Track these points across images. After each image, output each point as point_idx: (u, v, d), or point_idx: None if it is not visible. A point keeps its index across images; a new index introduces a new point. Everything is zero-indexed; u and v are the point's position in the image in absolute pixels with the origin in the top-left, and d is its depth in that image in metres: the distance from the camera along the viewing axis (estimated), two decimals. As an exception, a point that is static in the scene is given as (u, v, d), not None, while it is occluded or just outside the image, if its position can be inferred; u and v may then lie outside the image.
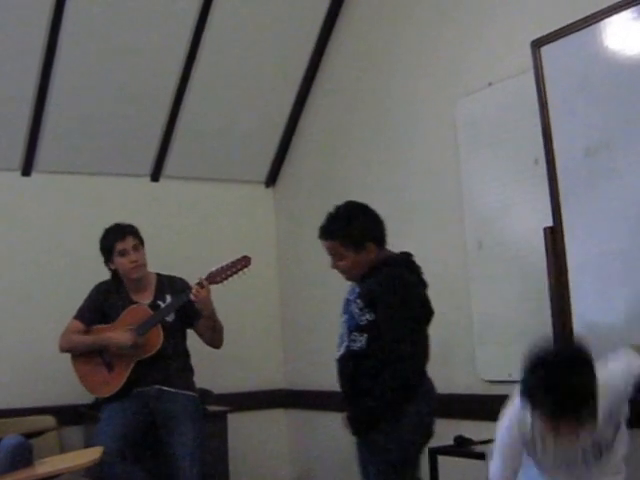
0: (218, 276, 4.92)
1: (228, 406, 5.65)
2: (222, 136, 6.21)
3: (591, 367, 2.95)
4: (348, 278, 4.18)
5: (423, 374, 4.01)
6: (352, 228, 4.06)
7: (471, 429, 4.53)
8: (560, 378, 2.89)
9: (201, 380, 5.18)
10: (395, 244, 5.11)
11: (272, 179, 6.61)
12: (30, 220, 5.77)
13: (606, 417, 3.05)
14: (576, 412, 2.88)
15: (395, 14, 5.43)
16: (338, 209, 4.15)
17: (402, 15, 5.36)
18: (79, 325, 5.05)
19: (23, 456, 3.84)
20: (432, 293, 5.03)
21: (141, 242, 5.11)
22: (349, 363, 3.99)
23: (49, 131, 5.65)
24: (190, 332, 5.14)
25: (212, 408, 5.43)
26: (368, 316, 3.93)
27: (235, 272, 4.94)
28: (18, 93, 5.47)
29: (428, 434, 4.02)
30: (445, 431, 4.59)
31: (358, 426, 3.94)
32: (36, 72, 5.41)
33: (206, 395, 5.34)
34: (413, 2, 5.28)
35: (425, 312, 4.05)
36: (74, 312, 5.08)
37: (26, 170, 5.77)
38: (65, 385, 5.25)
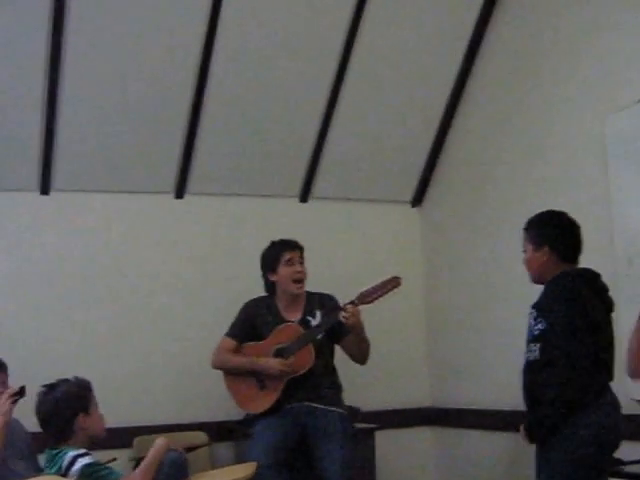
0: (369, 297, 4.91)
1: (375, 424, 5.68)
2: (368, 157, 6.26)
3: None
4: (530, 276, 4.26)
5: (603, 386, 3.93)
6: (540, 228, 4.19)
7: (621, 449, 4.45)
8: None
9: (348, 397, 5.20)
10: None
11: (418, 199, 6.61)
12: (183, 242, 5.90)
13: None
14: None
15: (544, 29, 5.40)
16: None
17: (551, 30, 5.34)
18: (231, 342, 5.14)
19: (181, 469, 3.95)
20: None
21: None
22: (527, 374, 4.00)
23: (202, 154, 5.79)
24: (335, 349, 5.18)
25: (360, 425, 5.44)
26: (540, 325, 3.92)
27: (385, 292, 4.94)
28: (175, 115, 5.63)
29: (609, 449, 3.92)
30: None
31: (534, 434, 3.91)
32: (190, 90, 5.54)
33: (354, 412, 5.33)
34: (562, 18, 5.25)
35: (602, 334, 3.99)
36: (224, 330, 5.18)
37: (179, 193, 5.92)
38: (215, 402, 5.34)
